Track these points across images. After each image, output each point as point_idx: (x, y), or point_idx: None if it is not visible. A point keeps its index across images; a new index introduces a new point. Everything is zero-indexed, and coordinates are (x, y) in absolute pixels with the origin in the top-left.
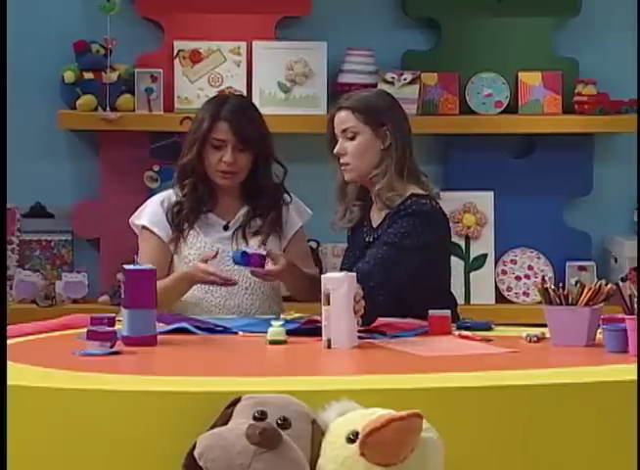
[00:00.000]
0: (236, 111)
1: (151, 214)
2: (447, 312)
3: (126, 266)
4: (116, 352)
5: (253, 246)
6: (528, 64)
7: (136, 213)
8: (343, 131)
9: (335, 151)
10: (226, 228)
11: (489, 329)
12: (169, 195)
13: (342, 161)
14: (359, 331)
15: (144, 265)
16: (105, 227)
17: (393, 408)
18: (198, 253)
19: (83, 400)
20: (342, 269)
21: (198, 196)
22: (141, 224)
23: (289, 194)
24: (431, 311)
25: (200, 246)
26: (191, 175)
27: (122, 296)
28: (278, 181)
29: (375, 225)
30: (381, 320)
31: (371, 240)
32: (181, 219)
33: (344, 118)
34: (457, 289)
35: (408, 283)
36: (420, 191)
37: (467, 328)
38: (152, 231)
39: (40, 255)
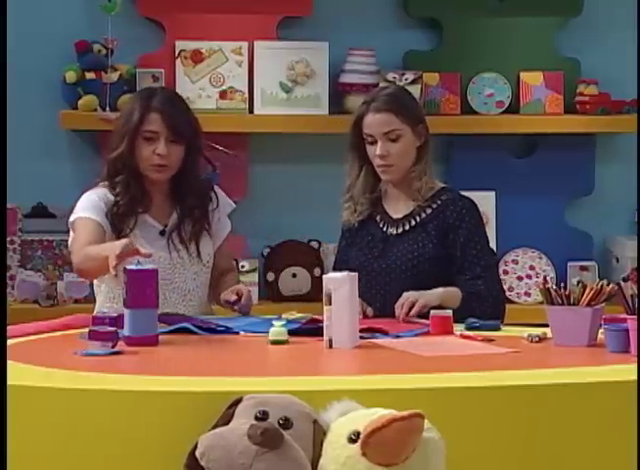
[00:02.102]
0: (167, 102)
1: (85, 207)
2: (449, 312)
3: (128, 267)
4: (118, 352)
5: (193, 253)
6: (530, 64)
7: (77, 210)
8: (386, 133)
9: (377, 153)
10: (162, 233)
11: (498, 329)
12: (104, 192)
13: (383, 162)
14: (361, 331)
15: (147, 265)
16: None
17: (395, 408)
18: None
19: (85, 401)
20: (345, 264)
21: (131, 194)
22: (75, 217)
23: (215, 194)
24: (432, 311)
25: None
26: (122, 171)
27: (124, 296)
28: (205, 178)
29: (397, 216)
30: (382, 320)
31: (398, 232)
32: (120, 223)
33: (387, 121)
34: None
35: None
36: (442, 182)
37: (476, 328)
38: (88, 217)
39: (42, 255)
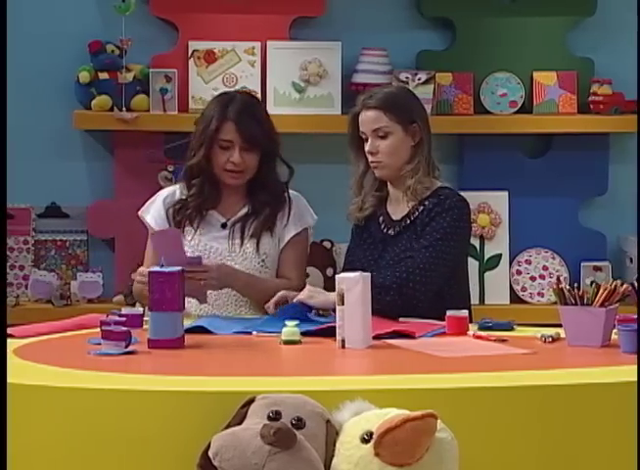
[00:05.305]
0: (242, 111)
1: (156, 215)
2: (465, 313)
3: (152, 269)
4: (131, 352)
5: (249, 247)
6: (543, 63)
7: (145, 206)
8: (374, 131)
9: (367, 150)
10: (224, 226)
11: (511, 329)
12: (174, 191)
13: (373, 159)
14: (386, 334)
15: (170, 268)
16: (120, 227)
17: (408, 408)
18: (191, 250)
19: (98, 400)
20: (351, 265)
21: (204, 196)
22: (148, 223)
23: (289, 196)
24: (449, 312)
25: (194, 243)
26: (198, 175)
27: (149, 299)
28: (283, 180)
29: (397, 218)
30: (397, 322)
31: (395, 233)
32: (183, 218)
33: (375, 118)
34: (472, 289)
35: (449, 278)
36: (444, 183)
37: (489, 328)
38: (148, 222)
39: (55, 254)
